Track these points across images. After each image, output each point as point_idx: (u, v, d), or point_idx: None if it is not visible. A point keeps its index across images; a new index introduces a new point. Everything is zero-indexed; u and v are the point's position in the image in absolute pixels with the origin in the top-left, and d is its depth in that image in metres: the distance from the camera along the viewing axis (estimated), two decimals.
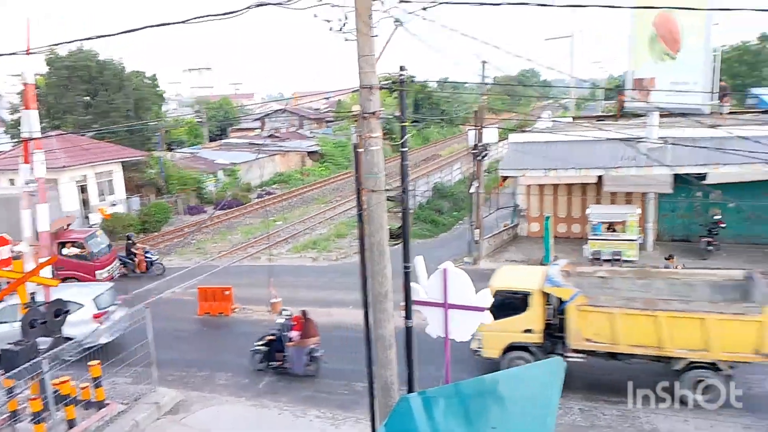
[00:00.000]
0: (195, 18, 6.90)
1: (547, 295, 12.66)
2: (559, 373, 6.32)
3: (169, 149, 47.82)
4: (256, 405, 12.79)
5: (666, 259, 17.35)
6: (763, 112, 26.73)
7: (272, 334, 14.08)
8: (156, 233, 30.67)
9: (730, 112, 28.49)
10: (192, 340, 16.61)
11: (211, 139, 59.46)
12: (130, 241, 23.57)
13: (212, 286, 18.29)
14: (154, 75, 45.89)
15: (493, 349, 12.79)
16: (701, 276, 13.29)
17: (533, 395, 6.21)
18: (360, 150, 7.62)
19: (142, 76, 43.31)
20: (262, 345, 14.00)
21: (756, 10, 6.50)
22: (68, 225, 22.77)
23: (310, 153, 51.49)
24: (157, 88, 45.84)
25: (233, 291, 18.38)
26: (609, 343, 11.86)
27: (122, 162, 33.35)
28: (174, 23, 7.18)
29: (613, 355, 12.13)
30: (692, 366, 11.49)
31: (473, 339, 11.84)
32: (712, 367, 11.40)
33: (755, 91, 34.83)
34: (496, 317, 8.75)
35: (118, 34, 7.67)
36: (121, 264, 22.64)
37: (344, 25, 7.08)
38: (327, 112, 73.29)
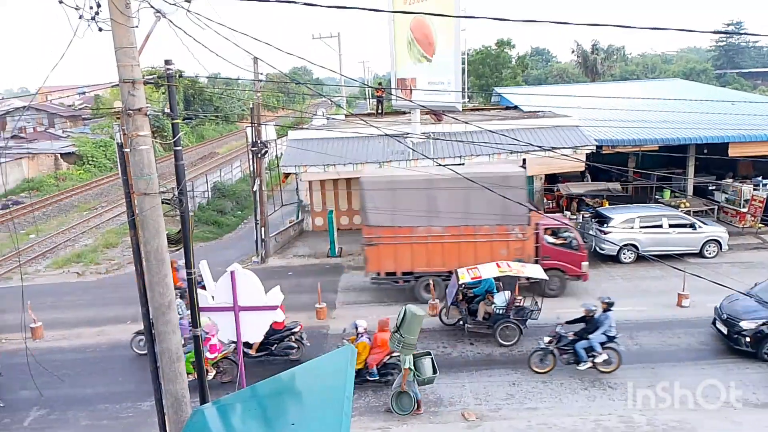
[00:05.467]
0: None
1: None
2: (351, 360, 6.58)
3: None
4: None
5: None
6: (504, 109, 30.86)
7: None
8: None
9: (478, 109, 32.35)
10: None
11: None
12: None
13: None
14: None
15: None
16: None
17: (328, 384, 6.37)
18: (126, 150, 6.97)
19: None
20: None
21: (495, 19, 7.41)
22: None
23: (64, 155, 45.78)
24: None
25: None
26: None
27: None
28: None
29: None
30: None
31: None
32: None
33: (498, 90, 39.97)
34: None
35: None
36: None
37: (97, 13, 6.38)
38: (83, 108, 65.99)
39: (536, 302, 14.67)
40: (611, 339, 12.56)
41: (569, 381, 12.45)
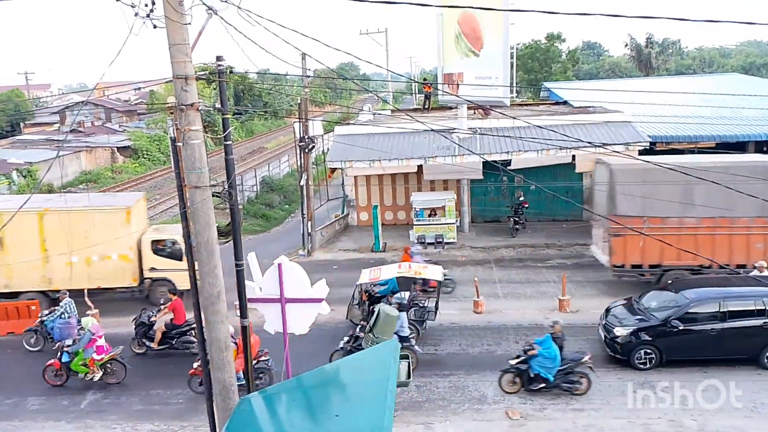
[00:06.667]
0: None
1: None
2: (394, 354, 6.61)
3: None
4: (80, 427, 11.54)
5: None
6: (554, 104, 30.26)
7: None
8: None
9: (526, 104, 31.81)
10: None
11: (0, 136, 52.14)
12: None
13: (14, 302, 16.15)
14: None
15: None
16: None
17: (372, 378, 6.42)
18: (179, 144, 7.17)
19: None
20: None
21: (545, 12, 7.28)
22: None
23: (121, 149, 47.43)
24: None
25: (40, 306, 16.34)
26: None
27: None
28: None
29: None
30: None
31: None
32: None
33: (547, 84, 39.22)
34: None
35: None
36: None
37: (152, 11, 6.58)
38: (138, 103, 68.13)
39: (436, 303, 14.79)
40: (404, 339, 12.42)
41: (618, 383, 12.16)
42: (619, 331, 12.84)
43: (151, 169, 44.39)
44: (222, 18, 7.03)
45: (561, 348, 11.71)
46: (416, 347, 12.92)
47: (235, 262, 8.14)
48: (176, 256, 16.76)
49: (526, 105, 32.75)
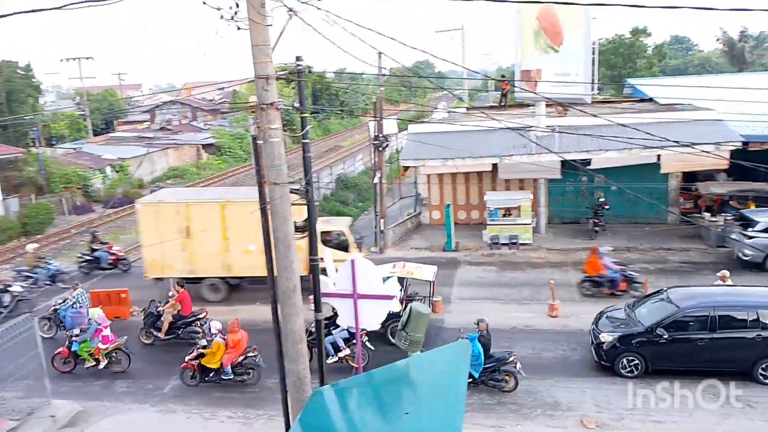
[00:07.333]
0: (73, 3, 6.38)
1: None
2: (465, 355, 6.56)
3: (49, 145, 44.38)
4: (163, 411, 12.21)
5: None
6: (638, 101, 28.97)
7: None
8: (40, 236, 28.39)
9: (608, 102, 30.62)
10: None
11: (96, 133, 55.76)
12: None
13: (106, 289, 17.25)
14: (28, 65, 42.29)
15: None
16: None
17: (442, 378, 6.38)
18: (259, 142, 7.42)
19: (15, 66, 39.77)
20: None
21: (629, 5, 6.99)
22: None
23: (205, 146, 49.62)
24: (32, 79, 42.29)
25: (129, 293, 17.39)
26: None
27: None
28: (49, 9, 6.60)
29: None
30: None
31: None
32: None
33: (631, 81, 37.61)
34: None
35: None
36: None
37: (236, 13, 6.83)
38: (222, 103, 70.94)
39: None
40: (353, 335, 12.28)
41: (702, 395, 11.52)
42: (604, 338, 12.62)
43: (233, 166, 46.14)
44: (302, 19, 7.21)
45: (486, 346, 11.90)
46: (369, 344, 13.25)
47: (310, 257, 8.34)
48: (343, 247, 17.73)
49: (607, 102, 31.52)
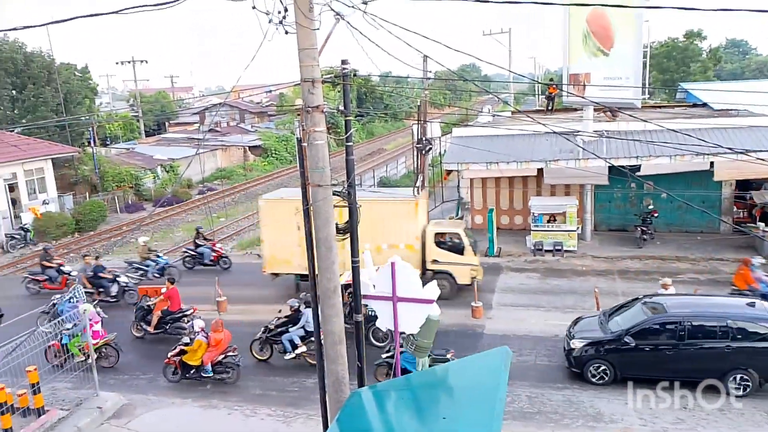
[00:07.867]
0: (128, 8, 6.60)
1: None
2: (506, 362, 6.47)
3: (104, 145, 46.04)
4: (205, 406, 12.50)
5: None
6: (691, 106, 28.06)
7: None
8: (92, 232, 29.49)
9: (659, 106, 29.77)
10: (133, 342, 16.05)
11: (148, 134, 57.59)
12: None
13: (153, 286, 17.77)
14: (86, 67, 44.00)
15: None
16: None
17: (482, 384, 6.33)
18: (304, 144, 7.51)
19: (73, 69, 41.48)
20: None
21: (682, 8, 6.78)
22: None
23: (252, 148, 50.60)
24: (89, 81, 44.01)
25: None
26: None
27: (53, 159, 31.79)
28: (106, 13, 6.85)
29: None
30: None
31: None
32: None
33: (684, 85, 36.48)
34: None
35: (45, 24, 7.26)
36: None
37: (284, 17, 6.94)
38: (269, 105, 72.18)
39: None
40: (310, 334, 12.68)
41: (752, 412, 11.07)
42: (574, 344, 12.60)
43: (278, 168, 46.91)
44: (348, 23, 7.27)
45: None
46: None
47: (352, 258, 8.38)
48: (458, 249, 17.45)
49: (659, 107, 30.68)
